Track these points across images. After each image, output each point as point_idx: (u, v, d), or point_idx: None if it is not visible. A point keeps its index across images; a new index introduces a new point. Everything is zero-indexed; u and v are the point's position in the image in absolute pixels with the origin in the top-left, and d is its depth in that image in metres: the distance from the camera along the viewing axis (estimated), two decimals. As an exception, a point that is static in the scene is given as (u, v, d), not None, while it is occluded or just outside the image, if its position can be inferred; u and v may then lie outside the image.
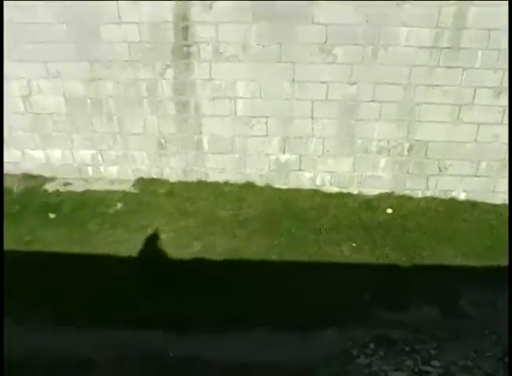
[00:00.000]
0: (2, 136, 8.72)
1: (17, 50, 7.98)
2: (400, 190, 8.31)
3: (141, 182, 8.69)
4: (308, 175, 8.35)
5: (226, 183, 8.45)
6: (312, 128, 7.97)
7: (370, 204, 8.13)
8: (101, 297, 6.71)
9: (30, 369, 5.71)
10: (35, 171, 9.04)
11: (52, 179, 8.97)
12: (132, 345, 6.08)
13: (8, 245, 7.64)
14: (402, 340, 5.90)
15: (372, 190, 8.31)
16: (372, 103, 7.70)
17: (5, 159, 9.02)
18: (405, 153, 8.05)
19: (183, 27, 7.54)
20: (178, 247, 7.37)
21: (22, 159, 8.99)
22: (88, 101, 8.26)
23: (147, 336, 6.17)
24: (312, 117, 7.89)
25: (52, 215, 8.15)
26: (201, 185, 8.49)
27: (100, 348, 6.04)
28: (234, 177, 8.48)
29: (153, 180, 8.67)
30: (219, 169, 8.47)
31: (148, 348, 6.02)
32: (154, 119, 8.22)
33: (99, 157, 8.69)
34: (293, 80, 7.68)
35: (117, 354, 5.97)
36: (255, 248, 7.32)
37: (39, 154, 8.89)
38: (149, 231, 7.66)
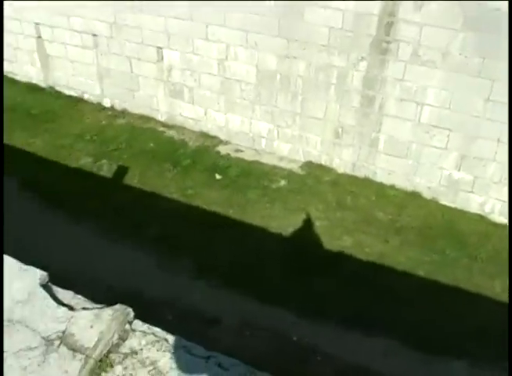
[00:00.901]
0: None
1: (225, 16, 8.33)
2: None
3: (309, 165, 8.76)
4: (478, 198, 7.93)
5: (392, 187, 8.27)
6: (496, 152, 7.53)
7: (538, 244, 7.57)
8: (242, 263, 6.93)
9: (161, 313, 6.04)
10: (212, 132, 9.46)
11: (226, 143, 9.33)
12: (260, 317, 6.24)
13: (171, 194, 8.12)
14: (534, 395, 5.49)
15: (543, 231, 7.72)
16: None
17: (188, 115, 9.53)
18: None
19: (387, 23, 7.42)
20: (328, 237, 7.39)
21: (203, 118, 9.44)
22: (278, 76, 8.43)
23: (277, 313, 6.29)
24: (499, 141, 7.45)
25: (218, 176, 8.49)
26: (366, 182, 8.39)
27: (229, 311, 6.27)
28: (401, 183, 8.27)
29: (320, 166, 8.71)
30: (388, 171, 8.31)
31: (274, 325, 6.14)
32: (337, 107, 8.22)
33: (275, 132, 8.88)
34: (488, 98, 7.27)
35: (243, 321, 6.16)
36: (404, 259, 7.13)
37: (220, 117, 9.28)
38: (305, 214, 7.74)
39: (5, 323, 2.56)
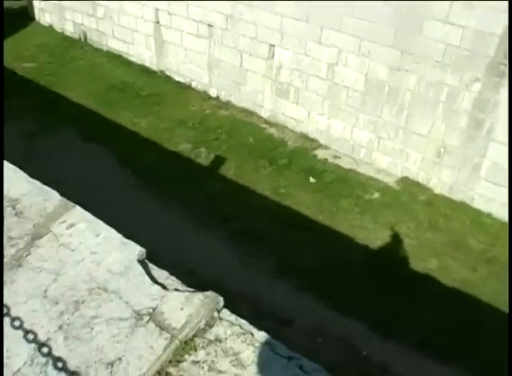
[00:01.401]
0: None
1: (341, 21, 8.30)
2: None
3: (405, 181, 8.59)
4: None
5: (489, 215, 7.96)
6: None
7: None
8: (324, 270, 6.92)
9: (238, 306, 6.05)
10: (313, 135, 9.46)
11: (325, 148, 9.30)
12: (334, 325, 6.20)
13: (264, 191, 8.20)
14: None
15: None
16: None
17: (291, 115, 9.59)
18: None
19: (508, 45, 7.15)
20: (415, 256, 7.24)
21: (306, 120, 9.45)
22: (386, 88, 8.32)
23: (351, 324, 6.24)
24: None
25: (312, 180, 8.49)
26: (462, 206, 8.12)
27: (304, 314, 6.27)
28: (499, 212, 7.93)
29: (417, 184, 8.51)
30: (487, 198, 7.99)
31: (347, 336, 6.08)
32: (442, 126, 8.01)
33: (376, 143, 8.77)
34: None
35: (316, 326, 6.13)
36: (490, 291, 6.86)
37: (323, 121, 9.25)
38: (394, 230, 7.61)
39: (100, 292, 2.67)
